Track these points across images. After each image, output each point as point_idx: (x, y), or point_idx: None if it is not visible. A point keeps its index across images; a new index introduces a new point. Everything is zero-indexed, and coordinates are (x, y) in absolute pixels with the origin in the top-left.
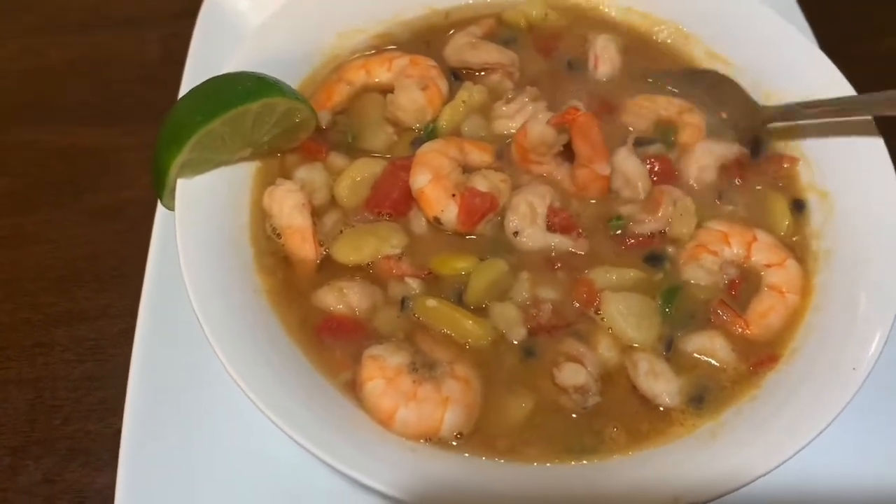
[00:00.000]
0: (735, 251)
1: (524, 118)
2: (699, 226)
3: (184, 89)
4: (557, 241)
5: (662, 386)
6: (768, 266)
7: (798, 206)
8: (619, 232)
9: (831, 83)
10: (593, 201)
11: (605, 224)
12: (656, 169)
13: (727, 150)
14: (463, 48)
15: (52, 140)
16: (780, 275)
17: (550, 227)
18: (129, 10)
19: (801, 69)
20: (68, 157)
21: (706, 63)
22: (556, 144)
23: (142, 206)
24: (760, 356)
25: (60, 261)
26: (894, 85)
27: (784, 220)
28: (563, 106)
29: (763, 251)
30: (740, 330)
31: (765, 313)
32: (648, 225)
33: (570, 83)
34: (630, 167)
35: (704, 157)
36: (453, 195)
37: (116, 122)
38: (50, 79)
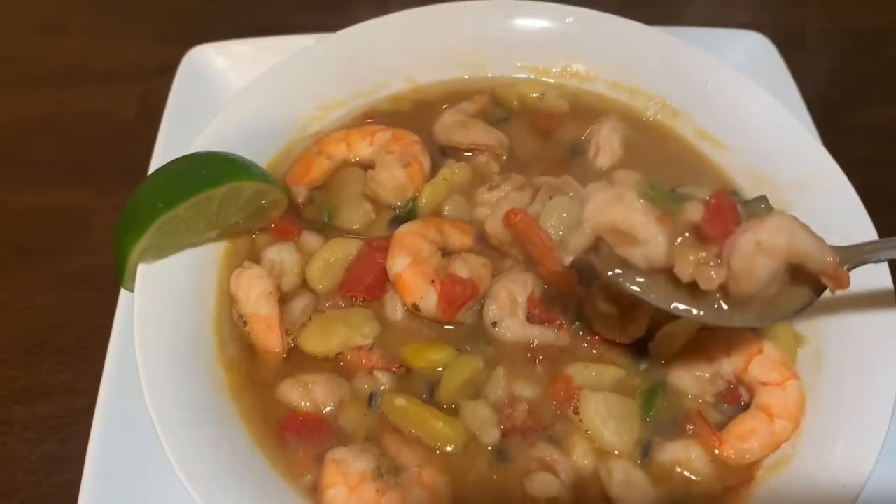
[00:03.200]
0: (733, 360)
1: (506, 207)
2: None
3: (159, 149)
4: (537, 332)
5: (637, 498)
6: (765, 384)
7: None
8: (580, 332)
9: (822, 169)
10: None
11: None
12: (711, 204)
13: (817, 249)
14: (451, 127)
15: (21, 199)
16: (776, 396)
17: (531, 318)
18: (107, 64)
19: (792, 153)
20: (38, 218)
21: (696, 142)
22: (514, 241)
23: (111, 273)
24: (736, 478)
25: (23, 331)
26: (886, 154)
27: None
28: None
29: (764, 367)
30: (716, 447)
31: (744, 436)
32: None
33: (561, 169)
34: None
35: (778, 234)
36: (433, 281)
37: (89, 181)
38: (22, 134)
